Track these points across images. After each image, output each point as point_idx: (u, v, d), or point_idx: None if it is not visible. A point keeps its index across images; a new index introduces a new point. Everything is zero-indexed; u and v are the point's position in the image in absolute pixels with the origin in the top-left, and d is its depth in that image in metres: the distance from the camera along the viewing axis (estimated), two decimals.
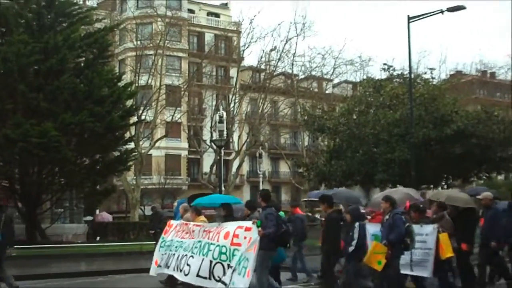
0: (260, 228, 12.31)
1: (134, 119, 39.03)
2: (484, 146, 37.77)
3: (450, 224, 14.25)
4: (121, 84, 34.28)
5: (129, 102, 34.99)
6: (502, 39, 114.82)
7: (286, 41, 57.70)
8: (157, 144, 51.79)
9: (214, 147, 44.31)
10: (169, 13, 55.07)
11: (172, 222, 14.78)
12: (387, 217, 13.52)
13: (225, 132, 37.11)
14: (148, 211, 41.15)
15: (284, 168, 71.75)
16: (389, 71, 47.20)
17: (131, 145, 40.73)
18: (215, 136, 38.84)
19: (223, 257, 12.46)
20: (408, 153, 34.39)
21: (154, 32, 55.34)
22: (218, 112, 38.85)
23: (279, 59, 58.62)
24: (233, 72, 62.26)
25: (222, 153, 37.92)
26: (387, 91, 41.40)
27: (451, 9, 31.14)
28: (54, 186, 32.05)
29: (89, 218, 40.16)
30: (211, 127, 49.95)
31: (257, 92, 59.28)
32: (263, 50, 60.21)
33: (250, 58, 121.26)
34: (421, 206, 15.22)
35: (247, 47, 59.49)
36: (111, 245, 30.89)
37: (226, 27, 69.24)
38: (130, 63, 54.40)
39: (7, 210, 17.44)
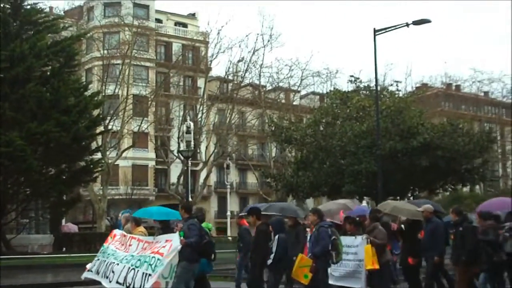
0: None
1: (100, 128, 38.76)
2: (450, 158, 38.11)
3: (382, 235, 14.12)
4: (87, 93, 34.05)
5: (96, 112, 34.75)
6: (466, 53, 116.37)
7: (254, 52, 57.90)
8: (124, 155, 51.45)
9: (182, 157, 44.18)
10: (136, 23, 54.87)
11: (115, 232, 14.74)
12: (314, 229, 13.58)
13: (192, 143, 36.99)
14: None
15: (251, 179, 71.68)
16: (355, 83, 47.47)
17: (98, 155, 40.41)
18: (183, 146, 38.71)
19: (145, 265, 12.66)
20: (375, 165, 34.56)
21: (121, 41, 55.03)
22: (186, 123, 38.77)
23: (246, 70, 58.84)
24: (200, 82, 62.13)
25: (190, 163, 37.83)
26: (354, 103, 41.64)
27: (416, 22, 31.40)
28: (19, 196, 31.70)
29: None
30: (178, 138, 49.75)
31: (224, 103, 59.29)
32: (231, 61, 60.30)
33: (218, 69, 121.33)
34: (357, 218, 15.24)
35: (215, 58, 59.64)
36: (77, 256, 30.54)
37: (194, 37, 69.20)
38: (97, 72, 54.00)
39: None
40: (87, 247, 37.79)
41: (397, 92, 47.65)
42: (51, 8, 55.58)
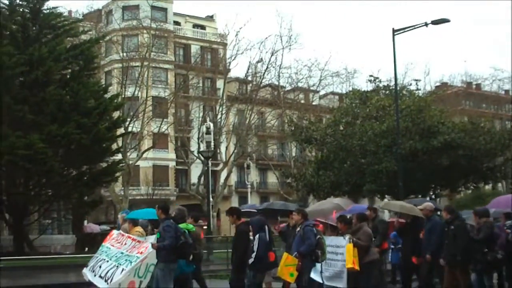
0: (153, 242, 12.59)
1: (121, 130, 38.91)
2: (471, 157, 37.96)
3: (366, 237, 14.00)
4: (107, 96, 34.18)
5: (116, 114, 34.89)
6: (486, 51, 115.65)
7: (272, 54, 57.79)
8: (144, 155, 51.63)
9: (202, 158, 44.26)
10: (154, 25, 55.03)
11: (113, 231, 15.01)
12: (298, 229, 13.60)
13: (212, 143, 37.08)
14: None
15: (272, 178, 71.65)
16: (375, 83, 47.39)
17: (119, 156, 40.58)
18: (203, 147, 38.77)
19: (127, 263, 13.04)
20: (395, 164, 34.44)
21: (140, 44, 55.23)
22: (205, 124, 38.83)
23: (265, 71, 58.67)
24: (219, 83, 62.19)
25: (210, 164, 37.86)
26: (373, 102, 41.57)
27: (435, 22, 31.23)
28: (41, 198, 31.93)
29: None
30: (198, 138, 49.77)
31: (244, 104, 59.28)
32: (250, 62, 60.21)
33: (237, 70, 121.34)
34: (349, 217, 15.18)
35: (234, 59, 59.51)
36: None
37: (212, 39, 69.22)
38: (116, 75, 54.23)
39: None
40: None
41: (416, 91, 47.51)
42: (70, 12, 56.06)
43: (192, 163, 58.65)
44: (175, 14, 71.24)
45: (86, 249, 36.84)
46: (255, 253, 13.21)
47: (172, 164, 66.12)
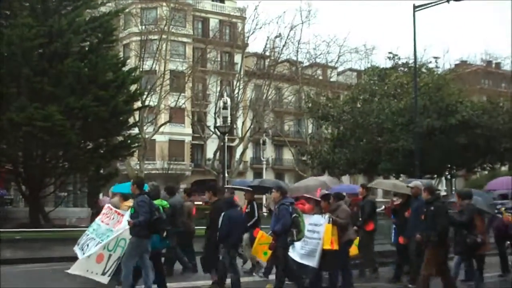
0: (129, 219, 12.58)
1: (138, 104, 38.94)
2: (489, 137, 37.74)
3: (345, 215, 13.94)
4: (125, 69, 34.13)
5: (133, 87, 34.85)
6: (507, 30, 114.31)
7: (291, 28, 57.60)
8: (161, 130, 51.80)
9: (218, 133, 44.30)
10: None
11: (105, 205, 14.96)
12: (275, 207, 13.54)
13: (229, 119, 37.11)
14: None
15: (287, 155, 71.71)
16: (394, 60, 47.09)
17: (135, 130, 40.67)
18: (219, 122, 38.76)
19: (104, 236, 13.38)
20: (412, 143, 34.32)
21: (159, 17, 55.18)
22: (222, 98, 38.81)
23: (283, 46, 58.52)
24: (237, 58, 62.14)
25: (226, 139, 37.91)
26: (392, 80, 41.35)
27: None
28: (57, 170, 32.00)
29: None
30: (215, 113, 49.80)
31: (261, 79, 59.14)
32: (268, 37, 60.10)
33: (255, 45, 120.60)
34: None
35: (252, 34, 59.38)
36: None
37: (231, 13, 68.97)
38: (134, 48, 54.29)
39: None
40: None
41: (436, 69, 47.18)
42: None
43: (208, 138, 58.76)
44: None
45: None
46: (218, 230, 13.24)
47: (188, 139, 66.23)
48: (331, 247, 13.45)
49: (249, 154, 68.96)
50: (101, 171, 33.75)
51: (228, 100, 37.63)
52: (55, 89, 28.79)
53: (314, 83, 61.66)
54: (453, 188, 53.97)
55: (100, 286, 13.23)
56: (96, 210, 38.76)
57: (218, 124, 40.02)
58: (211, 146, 58.06)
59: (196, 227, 17.69)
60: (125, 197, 14.79)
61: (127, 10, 51.10)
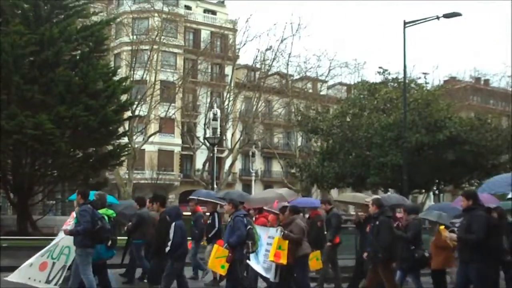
0: (67, 227, 12.76)
1: (128, 114, 38.99)
2: (477, 153, 37.87)
3: (298, 230, 13.86)
4: (116, 78, 34.19)
5: (124, 97, 34.91)
6: (497, 47, 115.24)
7: (282, 41, 57.76)
8: (150, 139, 51.80)
9: (208, 144, 44.32)
10: (165, 9, 55.01)
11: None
12: (229, 219, 13.59)
13: (218, 130, 37.15)
14: None
15: (276, 167, 71.75)
16: (384, 75, 47.24)
17: (125, 139, 40.68)
18: (209, 133, 38.82)
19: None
20: (401, 158, 34.43)
21: (151, 27, 55.29)
22: (212, 110, 38.87)
23: (274, 59, 58.58)
24: (228, 70, 62.24)
25: (215, 150, 37.94)
26: (381, 94, 41.48)
27: (447, 16, 31.17)
28: (46, 178, 32.01)
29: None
30: (205, 124, 49.88)
31: (251, 91, 59.26)
32: (259, 49, 60.29)
33: (246, 57, 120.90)
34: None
35: (243, 46, 59.53)
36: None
37: (223, 25, 69.24)
38: (125, 58, 54.32)
39: None
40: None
41: (425, 84, 47.40)
42: None
43: (198, 149, 58.77)
44: None
45: None
46: (171, 242, 13.10)
47: (177, 149, 66.25)
48: (274, 260, 13.41)
49: (238, 165, 68.96)
50: (90, 180, 33.76)
51: (218, 111, 37.65)
52: (45, 97, 28.87)
53: (304, 96, 61.83)
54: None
55: None
56: None
57: (207, 135, 40.09)
58: (201, 157, 58.04)
59: None
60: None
61: (118, 19, 51.27)
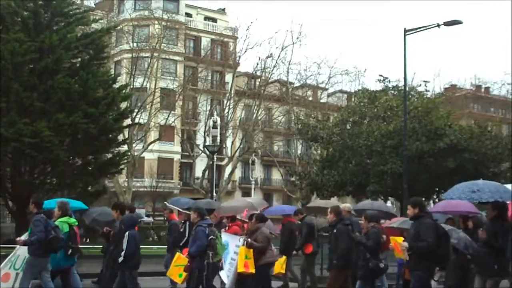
0: (21, 238, 12.94)
1: (128, 121, 38.91)
2: (477, 161, 37.83)
3: (263, 238, 13.85)
4: (116, 86, 34.14)
5: (124, 105, 34.83)
6: (497, 55, 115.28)
7: (282, 49, 57.73)
8: (150, 147, 51.71)
9: (207, 152, 44.26)
10: (166, 17, 55.02)
11: None
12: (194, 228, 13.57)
13: (218, 138, 37.11)
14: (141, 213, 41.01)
15: (276, 175, 71.67)
16: (384, 83, 47.26)
17: (124, 147, 40.60)
18: (209, 141, 38.83)
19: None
20: (401, 166, 34.36)
21: (151, 34, 55.27)
22: (212, 118, 38.84)
23: (274, 66, 58.59)
24: (228, 77, 62.21)
25: (215, 158, 37.87)
26: (382, 102, 41.48)
27: (448, 23, 31.11)
28: (45, 186, 31.90)
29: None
30: (204, 132, 49.85)
31: (252, 99, 59.20)
32: (259, 57, 60.18)
33: (246, 64, 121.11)
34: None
35: (244, 53, 59.48)
36: (100, 247, 30.52)
37: (223, 32, 69.25)
38: (125, 65, 54.25)
39: None
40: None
41: (425, 92, 47.38)
42: (82, 0, 55.98)
43: (197, 156, 58.66)
44: (187, 6, 71.34)
45: (87, 240, 36.82)
46: (124, 251, 13.09)
47: (177, 157, 66.20)
48: (245, 270, 13.41)
49: (238, 173, 68.87)
50: (89, 188, 33.68)
51: (218, 119, 37.65)
52: (44, 104, 28.78)
53: (304, 103, 61.78)
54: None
55: None
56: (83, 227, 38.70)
57: (207, 143, 40.04)
58: (200, 165, 57.92)
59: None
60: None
61: (119, 27, 51.25)
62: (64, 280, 13.64)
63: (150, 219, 51.16)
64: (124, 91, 34.26)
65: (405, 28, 31.62)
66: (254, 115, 57.81)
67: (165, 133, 55.61)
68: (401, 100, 37.93)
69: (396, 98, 42.14)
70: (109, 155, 34.34)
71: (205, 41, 69.72)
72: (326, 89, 67.82)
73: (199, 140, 57.95)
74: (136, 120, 44.67)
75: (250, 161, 62.12)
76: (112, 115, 31.46)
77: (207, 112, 56.44)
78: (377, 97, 42.95)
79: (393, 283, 17.54)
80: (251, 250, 13.49)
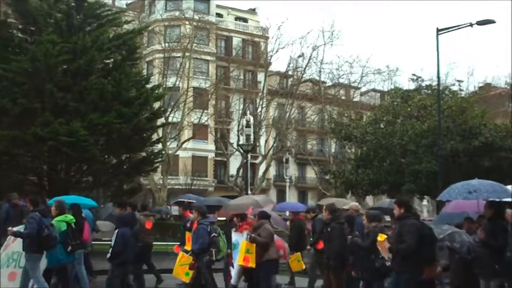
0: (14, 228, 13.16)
1: (161, 121, 39.11)
2: None
3: (267, 234, 13.80)
4: (149, 86, 34.33)
5: (157, 104, 35.00)
6: None
7: (314, 49, 57.67)
8: (184, 145, 52.03)
9: (241, 151, 44.38)
10: (196, 17, 55.25)
11: None
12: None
13: (252, 137, 37.17)
14: (175, 210, 41.04)
15: (311, 173, 71.52)
16: (417, 82, 47.04)
17: (159, 146, 40.84)
18: (242, 139, 38.90)
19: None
20: (435, 165, 34.11)
21: (182, 35, 55.55)
22: (245, 117, 38.91)
23: (306, 66, 58.64)
24: (260, 76, 62.31)
25: (249, 157, 37.93)
26: (415, 101, 41.29)
27: (480, 23, 30.78)
28: (81, 184, 32.15)
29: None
30: (238, 131, 50.02)
31: (284, 98, 59.22)
32: (291, 56, 60.15)
33: (278, 64, 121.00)
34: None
35: (275, 53, 59.48)
36: None
37: (254, 32, 69.30)
38: (157, 65, 54.62)
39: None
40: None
41: (459, 92, 47.03)
42: (113, 1, 56.37)
43: (231, 155, 58.88)
44: (218, 6, 71.52)
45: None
46: (111, 248, 13.23)
47: (211, 155, 66.45)
48: (244, 264, 13.51)
49: (272, 171, 68.88)
50: (124, 186, 33.89)
51: (251, 118, 37.70)
52: (78, 105, 28.98)
53: (337, 102, 61.63)
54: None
55: None
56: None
57: (241, 142, 40.12)
58: (234, 163, 58.14)
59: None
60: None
61: (150, 27, 51.57)
62: (62, 279, 13.79)
63: None
64: (157, 91, 34.43)
65: (437, 28, 31.40)
66: (287, 114, 57.81)
67: (199, 131, 55.91)
68: (434, 99, 37.70)
69: (430, 97, 41.87)
70: (144, 154, 34.54)
71: (236, 40, 69.88)
72: (359, 88, 67.62)
73: (233, 139, 58.19)
74: (170, 119, 44.93)
75: (284, 159, 62.06)
76: (145, 115, 31.61)
77: (240, 111, 56.62)
78: (410, 96, 42.78)
79: None
80: (254, 245, 13.54)
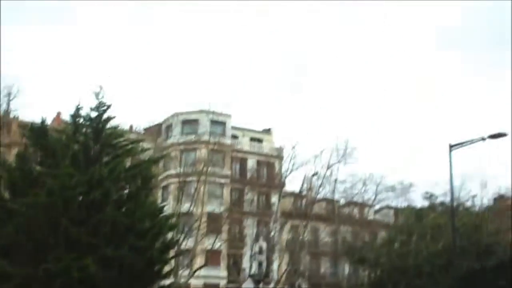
0: None
1: (173, 251, 38.94)
2: None
3: None
4: (162, 214, 34.36)
5: (170, 234, 34.98)
6: None
7: (328, 167, 58.11)
8: (196, 273, 51.31)
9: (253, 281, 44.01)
10: (213, 140, 55.81)
11: None
12: None
13: (264, 264, 37.02)
14: None
15: None
16: (430, 199, 47.12)
17: (170, 278, 40.44)
18: (255, 266, 38.73)
19: None
20: (452, 286, 33.73)
21: (198, 159, 56.00)
22: (258, 243, 38.91)
23: (320, 185, 58.87)
24: (274, 198, 62.36)
25: (261, 285, 37.62)
26: (429, 220, 41.31)
27: (493, 136, 30.91)
28: None
29: None
30: (251, 256, 49.70)
31: (298, 219, 59.12)
32: (305, 175, 60.47)
33: (292, 184, 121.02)
34: None
35: (290, 173, 59.81)
36: None
37: (269, 153, 69.79)
38: (172, 190, 54.84)
39: None
40: None
41: (473, 206, 47.04)
42: (131, 127, 57.34)
43: (244, 281, 58.11)
44: (233, 127, 71.74)
45: None
46: None
47: (223, 282, 64.69)
48: None
49: None
50: None
51: (264, 244, 37.73)
52: (92, 239, 28.98)
53: (351, 222, 61.45)
54: None
55: None
56: None
57: (253, 268, 39.91)
58: None
59: None
60: None
61: (166, 151, 52.14)
62: None
63: None
64: (170, 220, 34.41)
65: (450, 144, 31.32)
66: (301, 236, 57.54)
67: (212, 257, 55.33)
68: (448, 217, 37.59)
69: (443, 216, 41.84)
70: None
71: (251, 162, 70.04)
72: (373, 206, 67.50)
73: (245, 263, 57.53)
74: (182, 246, 44.71)
75: (296, 285, 61.12)
76: (158, 246, 31.49)
77: (253, 235, 56.31)
78: (423, 215, 42.79)
79: None
80: None
